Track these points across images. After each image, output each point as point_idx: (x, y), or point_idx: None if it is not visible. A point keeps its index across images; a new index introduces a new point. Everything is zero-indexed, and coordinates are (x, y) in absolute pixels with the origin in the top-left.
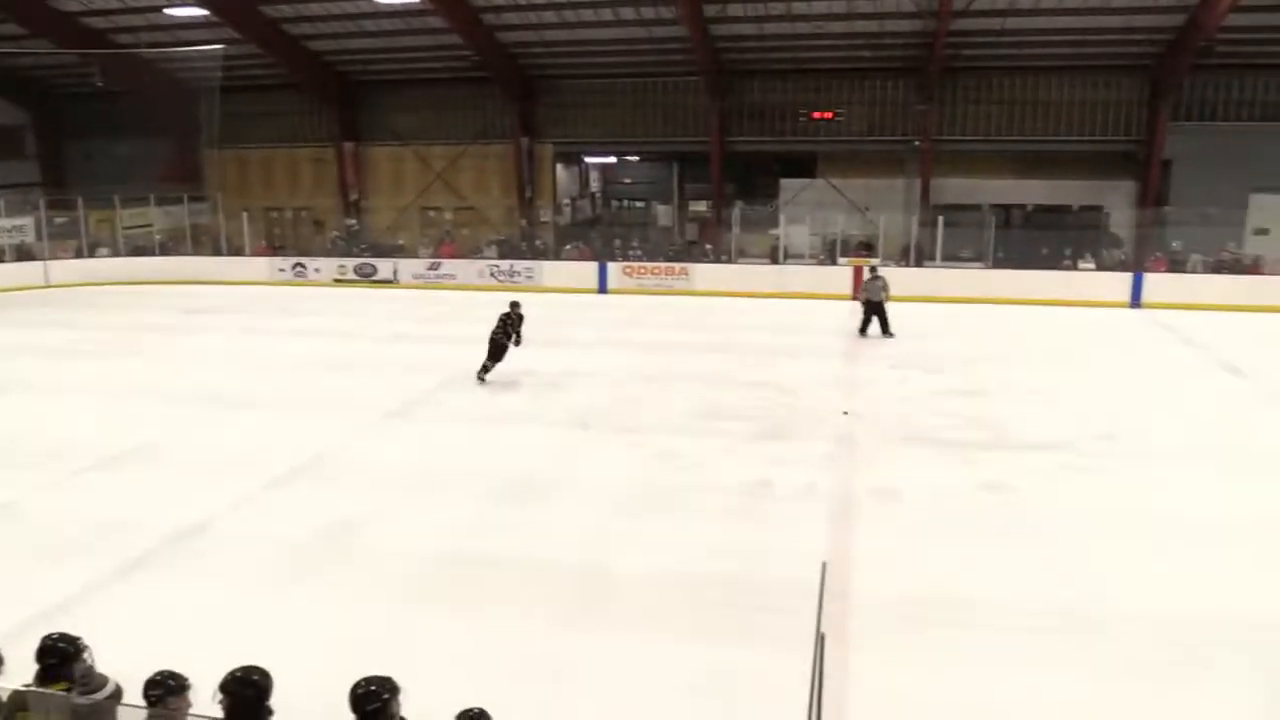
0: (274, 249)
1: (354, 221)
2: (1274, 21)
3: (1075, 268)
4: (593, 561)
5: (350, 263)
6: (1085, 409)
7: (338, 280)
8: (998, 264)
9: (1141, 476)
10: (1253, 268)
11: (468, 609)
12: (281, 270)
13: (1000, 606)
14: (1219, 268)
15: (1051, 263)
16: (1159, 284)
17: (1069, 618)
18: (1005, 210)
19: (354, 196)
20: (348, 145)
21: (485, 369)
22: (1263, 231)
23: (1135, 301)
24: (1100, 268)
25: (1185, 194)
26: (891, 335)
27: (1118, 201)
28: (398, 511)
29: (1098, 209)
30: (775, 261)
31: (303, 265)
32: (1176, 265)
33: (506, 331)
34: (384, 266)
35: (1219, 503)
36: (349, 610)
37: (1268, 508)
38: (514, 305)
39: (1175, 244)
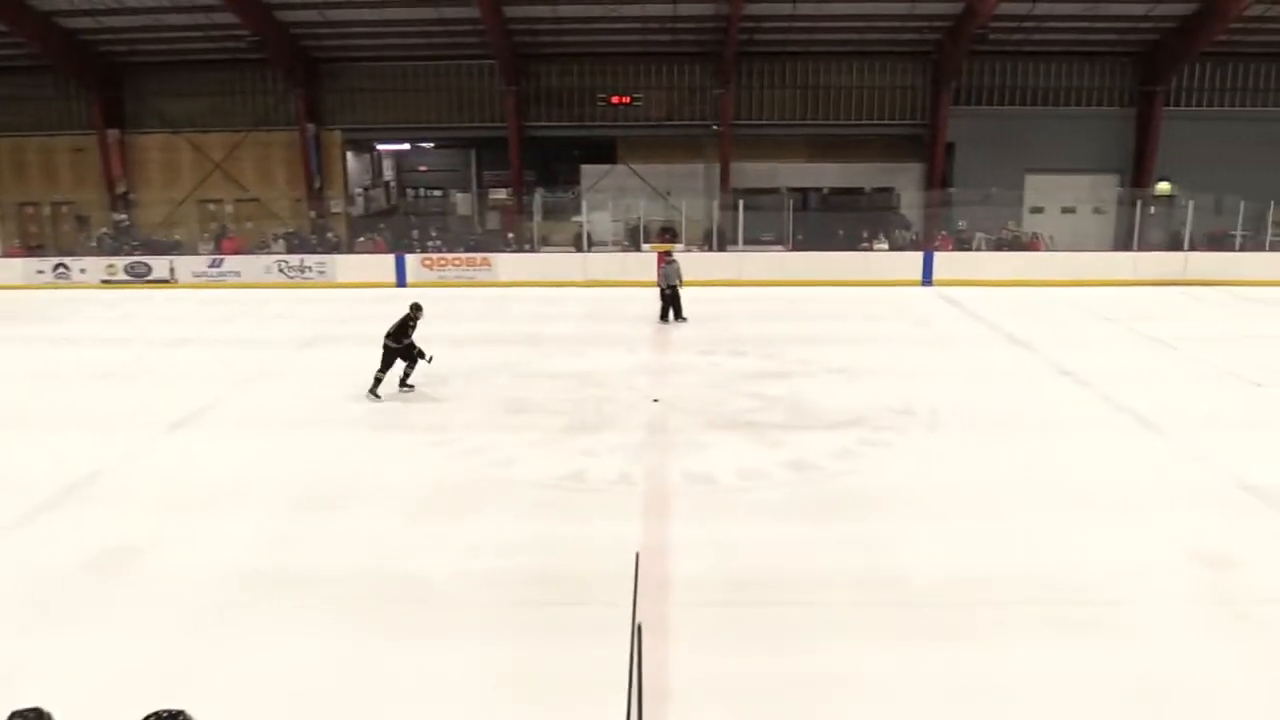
0: (30, 249)
1: (124, 217)
2: (1043, 11)
3: (871, 249)
4: (400, 568)
5: (120, 262)
6: (882, 385)
7: (106, 282)
8: (797, 246)
9: (938, 447)
10: (1031, 244)
11: (263, 632)
12: (40, 272)
13: (815, 584)
14: (1001, 245)
15: (848, 244)
16: (948, 262)
17: (879, 589)
18: (802, 193)
19: (121, 189)
20: (112, 133)
21: (377, 381)
22: (1038, 210)
23: (927, 279)
24: (893, 248)
25: (968, 175)
26: (684, 319)
27: (907, 183)
28: (185, 532)
29: (889, 191)
30: (579, 249)
31: (65, 266)
32: (963, 244)
33: (399, 336)
34: (159, 265)
35: (1011, 468)
36: (128, 645)
37: (1052, 475)
38: (415, 308)
39: (961, 223)
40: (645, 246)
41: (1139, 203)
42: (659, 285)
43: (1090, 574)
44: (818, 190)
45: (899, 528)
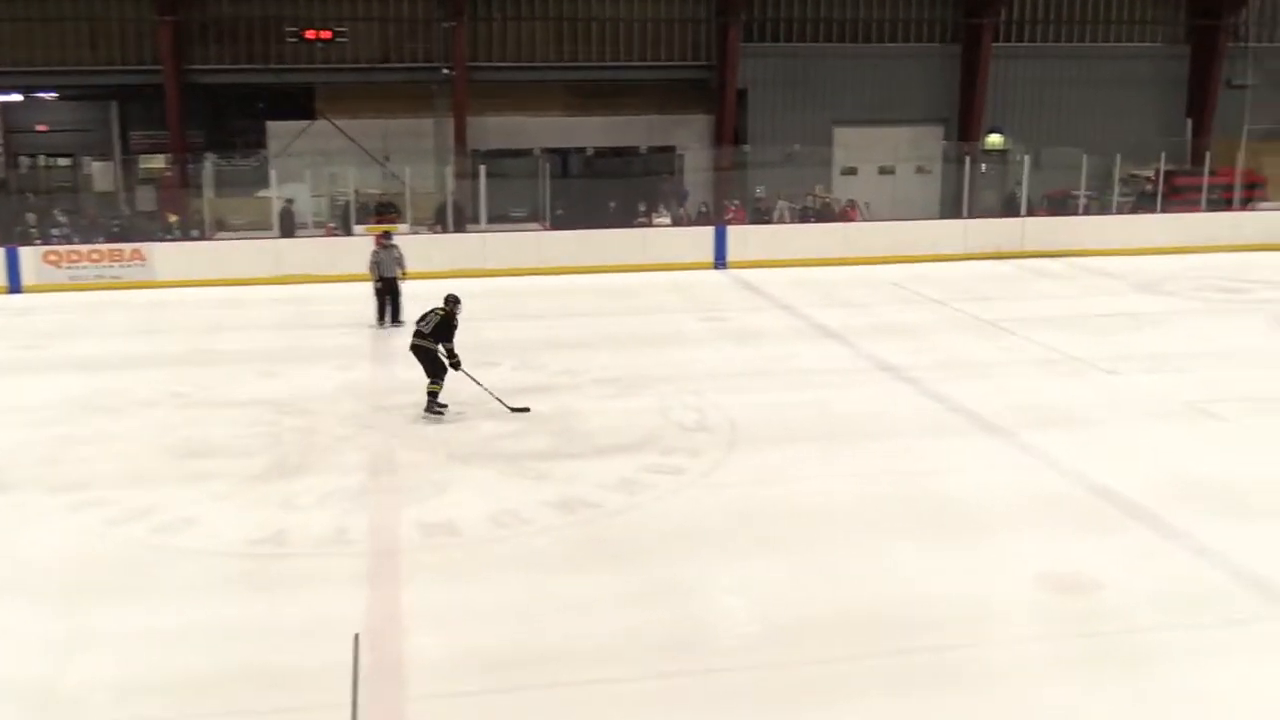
0: None
1: None
2: None
3: (649, 224)
4: (33, 680)
5: None
6: (670, 396)
7: None
8: (557, 224)
9: (741, 469)
10: (844, 212)
11: None
12: None
13: (595, 656)
14: (808, 215)
15: (621, 219)
16: (744, 238)
17: (677, 655)
18: (561, 155)
19: None
20: None
21: (434, 395)
22: (850, 171)
23: (720, 261)
24: (677, 223)
25: (766, 130)
26: (401, 323)
27: (692, 140)
28: None
29: (670, 150)
30: (269, 234)
31: None
32: (762, 215)
33: (438, 336)
34: None
35: (829, 489)
36: None
37: (878, 492)
38: (451, 301)
39: (759, 190)
40: (359, 229)
41: (968, 159)
42: (372, 279)
43: (931, 612)
44: (581, 151)
45: (698, 573)
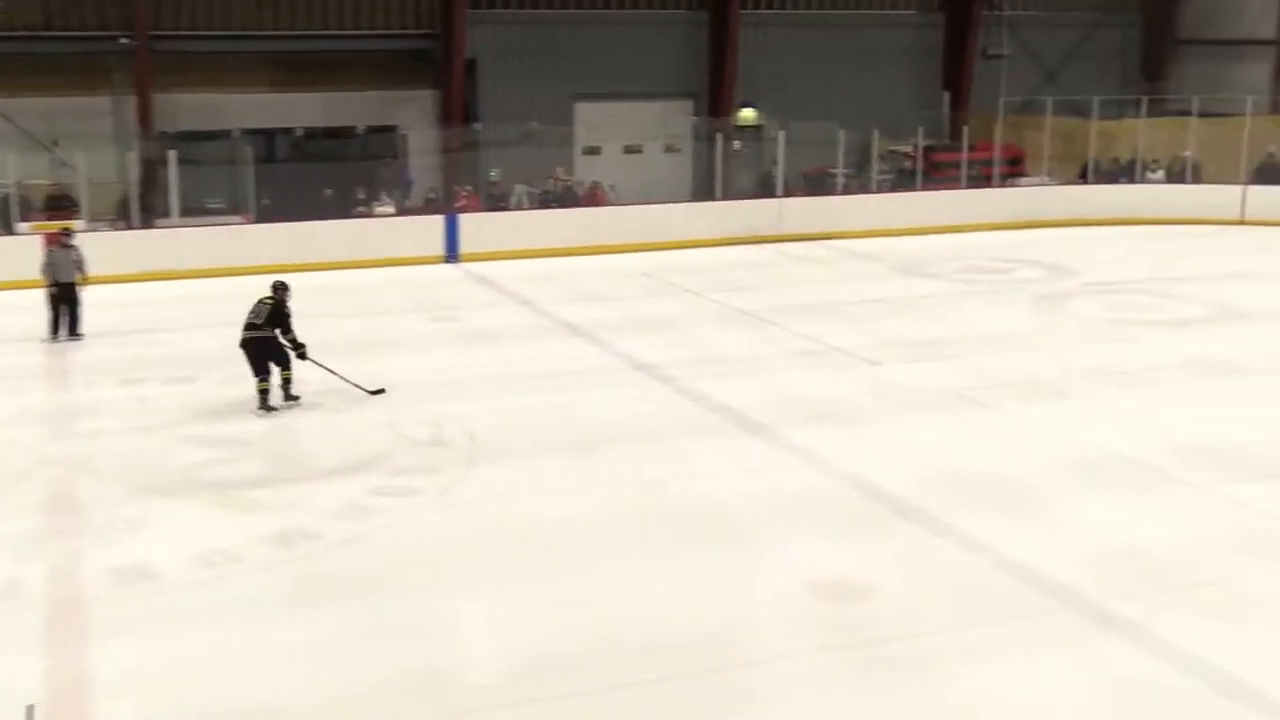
0: None
1: None
2: None
3: (370, 213)
4: None
5: None
6: (400, 408)
7: None
8: (263, 215)
9: (484, 486)
10: (589, 196)
11: None
12: None
13: (318, 708)
14: (549, 200)
15: (338, 209)
16: (478, 227)
17: (416, 699)
18: (267, 137)
19: None
20: None
21: (266, 394)
22: (594, 150)
23: (451, 253)
24: (402, 211)
25: (498, 106)
26: (80, 336)
27: (416, 118)
28: None
29: (391, 130)
30: None
31: None
32: (497, 201)
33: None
34: None
35: (585, 502)
36: None
37: (640, 503)
38: (280, 289)
39: (493, 173)
40: (24, 226)
41: (719, 136)
42: (45, 284)
43: (699, 630)
44: (288, 132)
45: (440, 606)
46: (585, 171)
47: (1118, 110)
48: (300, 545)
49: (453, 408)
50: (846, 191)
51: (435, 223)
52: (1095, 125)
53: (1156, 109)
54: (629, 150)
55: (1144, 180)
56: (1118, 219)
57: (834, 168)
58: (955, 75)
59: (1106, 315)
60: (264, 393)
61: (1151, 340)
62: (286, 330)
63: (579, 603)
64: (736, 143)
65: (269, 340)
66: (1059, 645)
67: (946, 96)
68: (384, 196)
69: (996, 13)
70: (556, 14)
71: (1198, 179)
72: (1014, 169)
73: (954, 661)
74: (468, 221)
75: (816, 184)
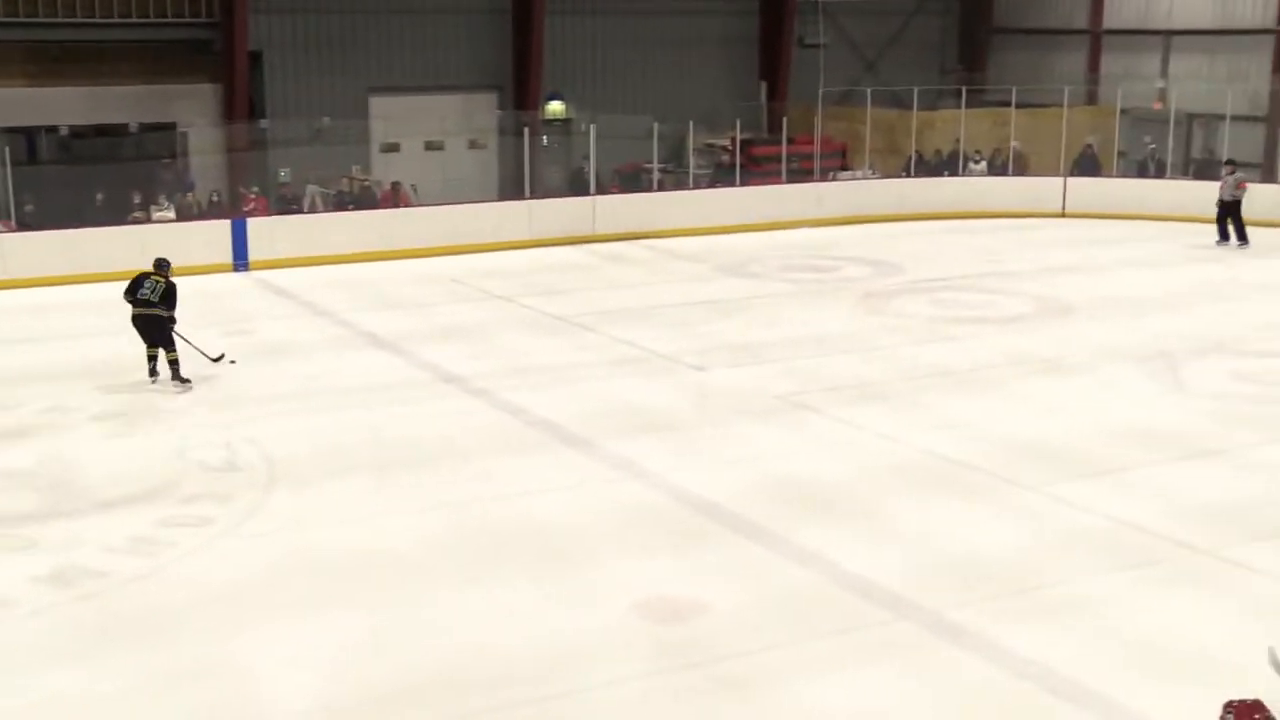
0: None
1: None
2: None
3: (148, 219)
4: None
5: None
6: (187, 430)
7: None
8: (24, 224)
9: (280, 515)
10: (389, 197)
11: None
12: None
13: None
14: (345, 202)
15: (110, 214)
16: (268, 232)
17: None
18: (28, 136)
19: None
20: None
21: (154, 359)
22: (392, 148)
23: (240, 261)
24: (183, 217)
25: (287, 100)
26: None
27: (196, 114)
28: None
29: (169, 128)
30: None
31: None
32: (288, 203)
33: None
34: None
35: (393, 526)
36: None
37: (463, 525)
38: (164, 266)
39: (283, 173)
40: None
41: (527, 131)
42: None
43: (524, 658)
44: (53, 131)
45: (241, 645)
46: (384, 170)
47: (937, 100)
48: (81, 584)
49: (247, 429)
50: (663, 188)
51: (221, 228)
52: (916, 117)
53: (976, 99)
54: (430, 147)
55: (966, 173)
56: (942, 213)
57: (649, 163)
58: (772, 65)
59: (933, 313)
60: (153, 359)
61: (979, 338)
62: (172, 308)
63: (392, 635)
64: (545, 138)
65: (162, 319)
66: (896, 656)
67: (764, 87)
68: (163, 200)
69: (813, 0)
70: (348, 2)
71: (1021, 171)
72: (836, 163)
73: (792, 677)
74: (256, 226)
75: (631, 181)
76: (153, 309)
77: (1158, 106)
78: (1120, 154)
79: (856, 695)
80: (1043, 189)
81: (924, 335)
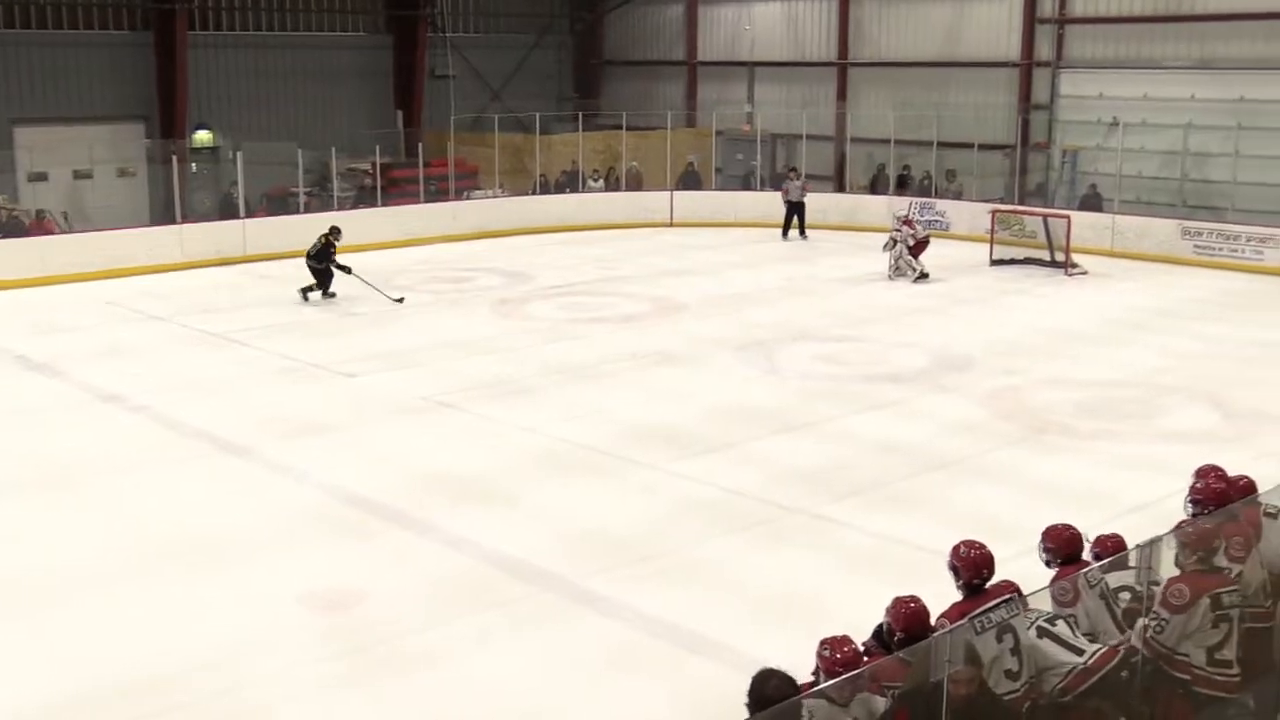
0: None
1: None
2: None
3: None
4: None
5: None
6: None
7: None
8: None
9: None
10: (38, 225)
11: None
12: None
13: None
14: None
15: None
16: None
17: None
18: None
19: None
20: None
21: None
22: (40, 177)
23: None
24: None
25: None
26: None
27: None
28: None
29: None
30: None
31: None
32: None
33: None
34: None
35: (47, 544)
36: None
37: (108, 537)
38: (335, 231)
39: None
40: None
41: (175, 159)
42: None
43: (199, 656)
44: None
45: None
46: (31, 199)
47: (557, 125)
48: None
49: None
50: (309, 210)
51: None
52: (539, 140)
53: (591, 123)
54: (79, 175)
55: (586, 189)
56: (565, 226)
57: (295, 187)
58: (407, 95)
59: (561, 315)
60: (309, 288)
61: (602, 336)
62: (331, 260)
63: (68, 649)
64: (194, 165)
65: (317, 269)
66: (544, 624)
67: (400, 115)
68: None
69: (441, 35)
70: None
71: (633, 186)
72: (468, 183)
73: (451, 652)
74: None
75: (279, 204)
76: (309, 259)
77: (746, 129)
78: (717, 170)
79: (510, 663)
80: (652, 202)
81: (554, 335)
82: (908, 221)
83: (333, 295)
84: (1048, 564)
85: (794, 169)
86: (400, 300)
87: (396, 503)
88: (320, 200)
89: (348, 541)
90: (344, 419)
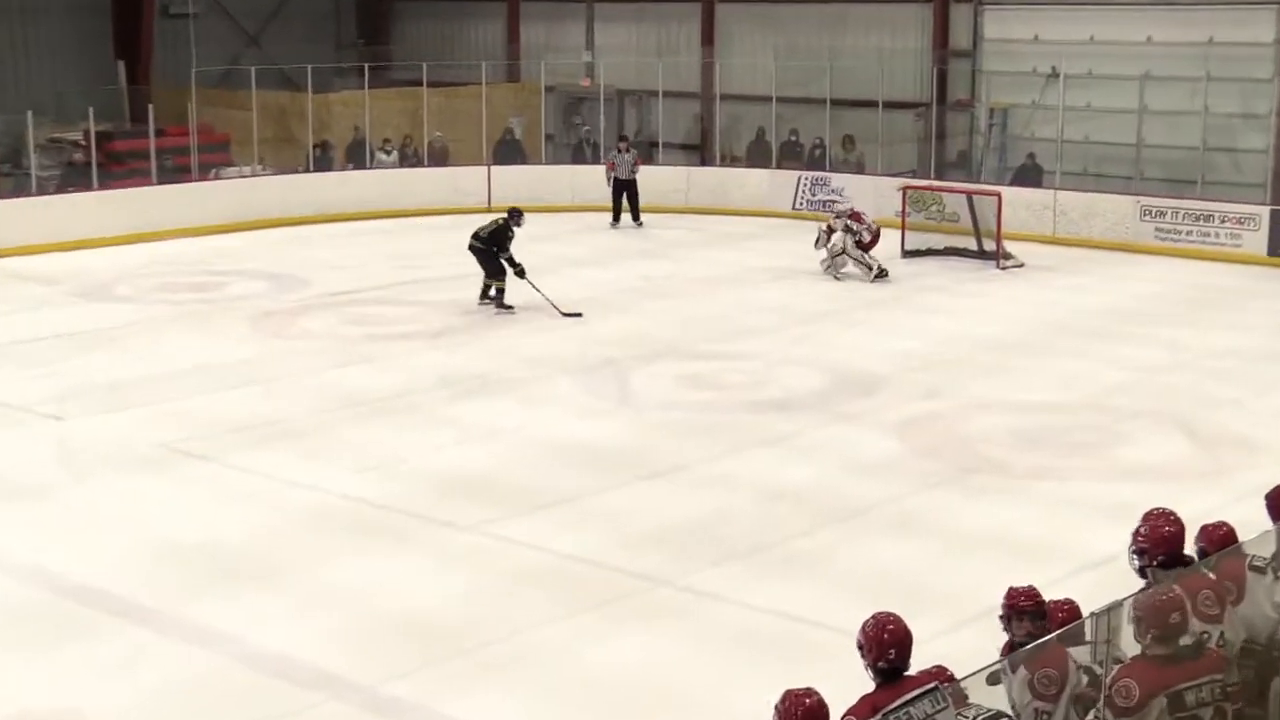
0: None
1: None
2: None
3: None
4: None
5: None
6: None
7: None
8: None
9: None
10: None
11: None
12: None
13: None
14: None
15: None
16: None
17: None
18: None
19: None
20: None
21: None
22: None
23: None
24: None
25: None
26: None
27: None
28: None
29: None
30: None
31: None
32: None
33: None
34: None
35: None
36: None
37: None
38: (517, 214)
39: None
40: None
41: None
42: None
43: None
44: None
45: None
46: None
47: (336, 80)
48: None
49: None
50: (1, 195)
51: None
52: (312, 99)
53: (381, 78)
54: None
55: (375, 164)
56: (350, 213)
57: None
58: (131, 39)
59: (347, 332)
60: (487, 289)
61: (400, 358)
62: (504, 250)
63: None
64: None
65: (487, 252)
66: None
67: (121, 67)
68: None
69: None
70: None
71: (438, 160)
72: (218, 158)
73: None
74: None
75: None
76: (479, 241)
77: (585, 84)
78: (548, 137)
79: None
80: (464, 180)
81: (336, 358)
82: (856, 215)
83: (510, 309)
84: (1141, 571)
85: (624, 138)
86: (578, 315)
87: (125, 589)
88: (14, 181)
89: (65, 643)
90: (49, 476)
